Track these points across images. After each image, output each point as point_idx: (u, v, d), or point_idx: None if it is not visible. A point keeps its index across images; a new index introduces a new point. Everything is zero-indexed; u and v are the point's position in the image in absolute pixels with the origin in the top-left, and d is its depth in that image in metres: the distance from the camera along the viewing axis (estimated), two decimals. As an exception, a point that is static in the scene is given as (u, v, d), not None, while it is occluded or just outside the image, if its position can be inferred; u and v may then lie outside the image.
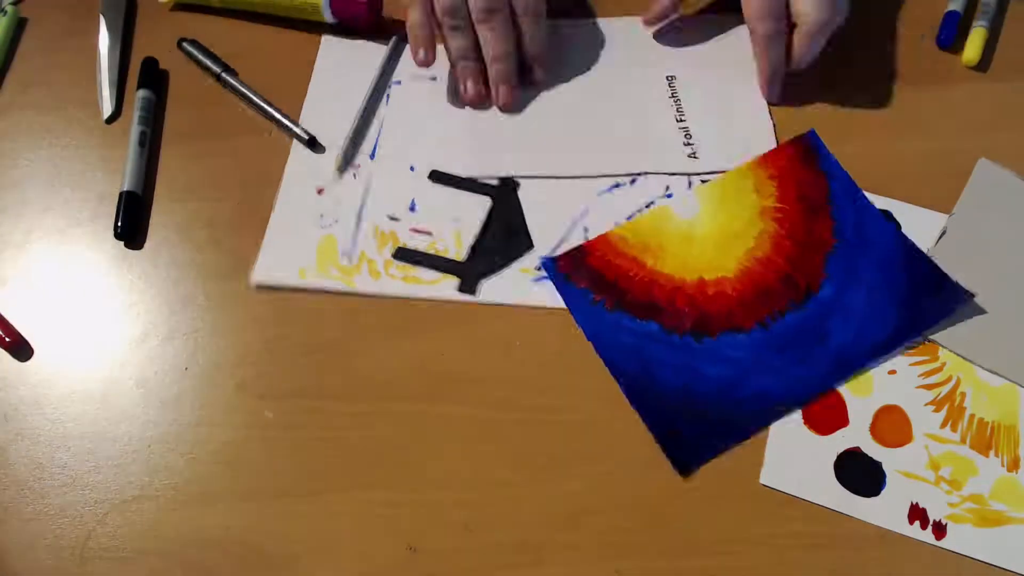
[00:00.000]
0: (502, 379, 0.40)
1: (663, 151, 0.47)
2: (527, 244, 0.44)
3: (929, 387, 0.40)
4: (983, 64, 0.50)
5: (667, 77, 0.50)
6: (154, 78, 0.50)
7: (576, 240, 0.44)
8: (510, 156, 0.47)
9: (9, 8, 0.53)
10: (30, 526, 0.37)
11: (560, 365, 0.41)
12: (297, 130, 0.47)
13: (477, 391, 0.40)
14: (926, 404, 0.40)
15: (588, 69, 0.51)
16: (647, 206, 0.45)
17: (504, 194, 0.46)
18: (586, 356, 0.41)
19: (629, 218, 0.45)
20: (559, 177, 0.46)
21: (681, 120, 0.48)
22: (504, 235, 0.44)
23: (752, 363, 0.40)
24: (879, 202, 0.45)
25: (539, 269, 0.43)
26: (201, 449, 0.39)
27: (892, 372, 0.40)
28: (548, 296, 0.42)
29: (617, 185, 0.46)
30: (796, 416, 0.39)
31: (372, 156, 0.47)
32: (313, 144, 0.47)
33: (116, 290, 0.43)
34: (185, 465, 0.38)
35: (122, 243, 0.45)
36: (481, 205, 0.45)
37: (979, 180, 0.46)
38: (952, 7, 0.52)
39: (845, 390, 0.40)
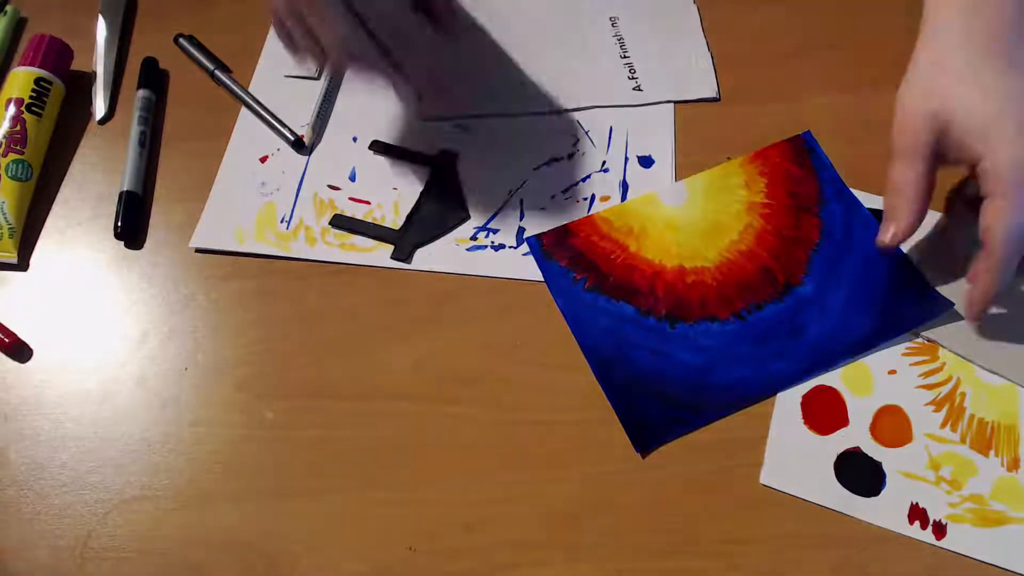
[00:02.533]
0: (502, 379, 0.40)
1: (609, 85, 0.49)
2: (463, 215, 0.45)
3: (929, 387, 0.40)
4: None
5: (610, 18, 0.52)
6: (154, 78, 0.50)
7: (512, 213, 0.45)
8: (462, 94, 0.49)
9: (9, 8, 0.53)
10: (30, 526, 0.37)
11: (560, 365, 0.41)
12: (284, 131, 0.47)
13: (477, 391, 0.40)
14: (926, 404, 0.40)
15: (530, 11, 0.52)
16: (583, 179, 0.46)
17: (443, 165, 0.46)
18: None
19: (565, 191, 0.45)
20: (504, 115, 0.48)
21: (625, 57, 0.50)
22: (441, 205, 0.45)
23: (726, 352, 0.40)
24: (879, 202, 0.45)
25: (474, 239, 0.44)
26: (201, 449, 0.39)
27: (892, 372, 0.40)
28: (480, 266, 0.43)
29: (555, 159, 0.47)
30: (796, 416, 0.39)
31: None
32: (299, 146, 0.47)
33: (116, 290, 0.44)
34: (185, 465, 0.38)
35: (122, 243, 0.45)
36: (420, 175, 0.46)
37: (980, 179, 0.46)
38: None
39: (845, 390, 0.40)
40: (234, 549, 0.36)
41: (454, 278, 0.43)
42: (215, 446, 0.39)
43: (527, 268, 0.43)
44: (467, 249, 0.44)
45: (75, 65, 0.50)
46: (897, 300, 0.41)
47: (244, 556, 0.36)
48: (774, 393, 0.39)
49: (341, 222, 0.45)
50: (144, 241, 0.45)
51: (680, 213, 0.45)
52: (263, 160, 0.47)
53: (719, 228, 0.44)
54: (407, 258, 0.43)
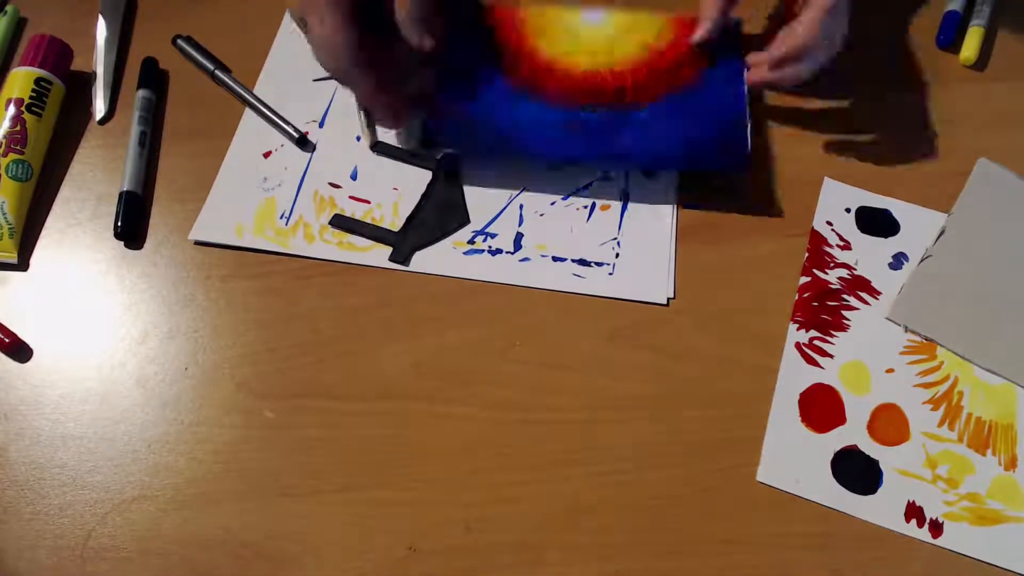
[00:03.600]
0: (502, 379, 0.40)
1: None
2: (463, 219, 0.45)
3: (927, 386, 0.40)
4: (982, 64, 0.50)
5: None
6: (154, 78, 0.50)
7: (511, 218, 0.45)
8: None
9: (9, 8, 0.53)
10: (30, 526, 0.37)
11: (560, 365, 0.41)
12: (288, 128, 0.47)
13: (477, 391, 0.40)
14: (924, 403, 0.40)
15: None
16: (584, 188, 0.46)
17: (446, 169, 0.46)
18: (586, 355, 0.41)
19: (565, 199, 0.46)
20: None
21: None
22: (441, 209, 0.45)
23: (547, 130, 0.44)
24: (879, 202, 0.45)
25: (471, 243, 0.44)
26: (201, 449, 0.39)
27: (890, 371, 0.40)
28: (477, 270, 0.43)
29: (556, 167, 0.47)
30: (794, 414, 0.39)
31: (321, 125, 0.48)
32: (303, 143, 0.47)
33: (116, 290, 0.44)
34: (185, 465, 0.39)
35: (122, 243, 0.45)
36: (421, 178, 0.46)
37: (979, 180, 0.46)
38: (951, 7, 0.52)
39: (843, 388, 0.40)
40: (234, 549, 0.36)
41: (453, 279, 0.43)
42: (215, 446, 0.39)
43: (524, 275, 0.43)
44: (464, 253, 0.44)
45: (75, 65, 0.50)
46: (710, 146, 0.44)
47: (244, 556, 0.36)
48: (554, 157, 0.45)
49: (340, 222, 0.45)
50: (144, 241, 0.45)
51: (591, 29, 0.47)
52: (266, 155, 0.47)
53: (612, 45, 0.47)
54: (405, 260, 0.44)
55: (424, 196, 0.46)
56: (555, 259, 0.44)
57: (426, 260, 0.44)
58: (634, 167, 0.46)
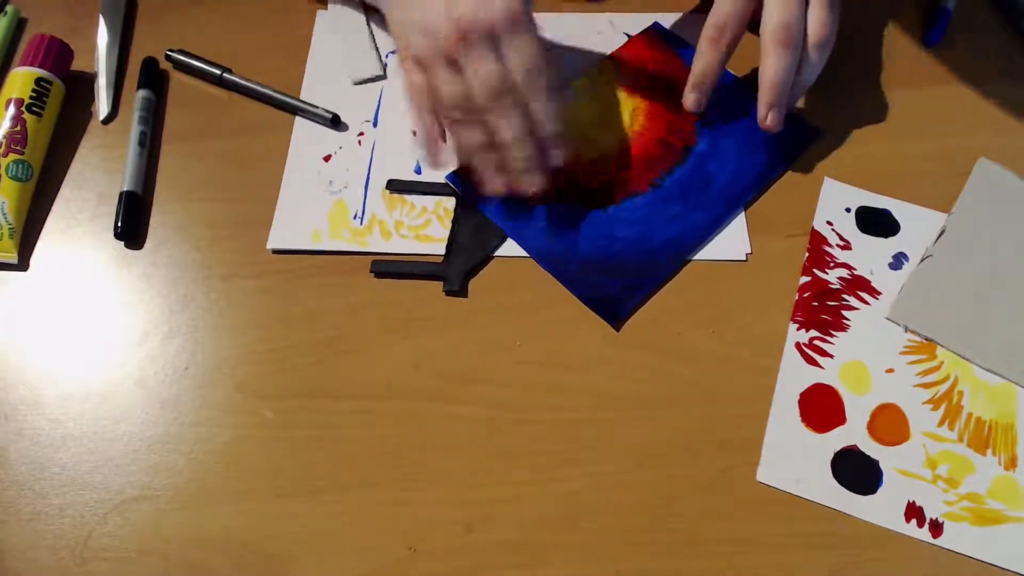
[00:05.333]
0: (502, 379, 0.40)
1: None
2: (501, 232, 0.44)
3: (927, 386, 0.40)
4: (982, 64, 0.50)
5: None
6: (154, 78, 0.50)
7: None
8: None
9: (9, 8, 0.53)
10: (30, 526, 0.37)
11: (560, 365, 0.41)
12: (319, 111, 0.48)
13: (477, 391, 0.40)
14: (924, 403, 0.40)
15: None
16: None
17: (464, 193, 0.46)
18: (586, 355, 0.41)
19: None
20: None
21: None
22: (476, 229, 0.45)
23: (655, 218, 0.45)
24: (879, 202, 0.46)
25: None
26: (201, 449, 0.39)
27: (890, 371, 0.41)
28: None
29: None
30: (794, 414, 0.39)
31: (375, 124, 0.48)
32: (336, 123, 0.48)
33: (116, 290, 0.44)
34: (185, 465, 0.39)
35: (122, 243, 0.45)
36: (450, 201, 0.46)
37: (979, 180, 0.46)
38: (944, 5, 0.52)
39: (843, 388, 0.40)
40: (234, 549, 0.36)
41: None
42: (215, 446, 0.39)
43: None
44: None
45: (75, 65, 0.50)
46: (775, 134, 0.46)
47: (244, 556, 0.36)
48: (704, 239, 0.44)
49: (383, 267, 0.43)
50: (144, 241, 0.45)
51: (574, 115, 0.48)
52: (327, 159, 0.47)
53: (612, 118, 0.48)
54: (461, 290, 0.43)
55: (454, 221, 0.45)
56: None
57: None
58: (748, 196, 0.45)
